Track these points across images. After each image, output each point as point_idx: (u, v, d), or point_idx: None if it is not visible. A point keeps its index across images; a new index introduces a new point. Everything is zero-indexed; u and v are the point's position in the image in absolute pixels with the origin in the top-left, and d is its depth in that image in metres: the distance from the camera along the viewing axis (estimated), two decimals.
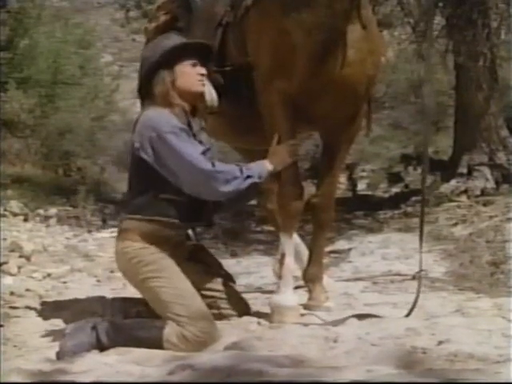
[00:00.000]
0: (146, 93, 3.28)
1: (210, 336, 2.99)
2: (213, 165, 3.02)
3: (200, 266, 3.35)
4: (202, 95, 3.32)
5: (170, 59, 3.21)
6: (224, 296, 3.35)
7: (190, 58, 3.25)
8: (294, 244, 3.61)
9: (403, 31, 10.27)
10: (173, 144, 3.04)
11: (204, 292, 3.24)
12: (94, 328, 3.05)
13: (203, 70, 3.26)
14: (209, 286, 3.33)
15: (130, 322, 3.14)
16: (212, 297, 3.30)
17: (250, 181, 3.09)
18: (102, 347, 3.02)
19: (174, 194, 3.11)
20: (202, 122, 3.39)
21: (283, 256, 3.49)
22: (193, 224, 3.29)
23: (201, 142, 3.21)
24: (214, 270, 3.40)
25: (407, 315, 3.21)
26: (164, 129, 3.06)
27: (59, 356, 3.02)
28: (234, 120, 3.82)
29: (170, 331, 2.98)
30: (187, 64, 3.23)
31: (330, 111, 3.47)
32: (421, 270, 3.41)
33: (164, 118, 3.11)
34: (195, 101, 3.29)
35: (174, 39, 3.33)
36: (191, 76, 3.23)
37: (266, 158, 3.26)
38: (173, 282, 3.06)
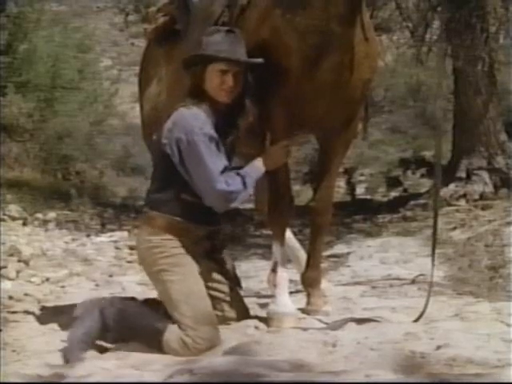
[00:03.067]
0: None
1: (210, 342, 3.00)
2: (227, 183, 3.06)
3: (213, 265, 3.35)
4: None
5: (202, 61, 3.21)
6: (228, 299, 3.35)
7: (222, 64, 3.19)
8: (285, 251, 3.62)
9: (402, 35, 10.29)
10: (200, 153, 3.05)
11: (210, 292, 3.24)
12: (101, 313, 3.13)
13: (231, 82, 3.20)
14: (216, 286, 3.32)
15: (136, 312, 3.17)
16: (217, 298, 3.30)
17: (250, 190, 3.18)
18: (107, 330, 3.11)
19: (194, 196, 3.14)
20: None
21: (276, 264, 3.50)
22: (207, 227, 3.28)
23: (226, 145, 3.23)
24: (226, 271, 3.40)
25: (416, 320, 3.20)
26: (195, 135, 3.07)
27: (68, 345, 3.09)
28: None
29: (169, 336, 3.00)
30: (218, 69, 3.18)
31: (326, 115, 3.46)
32: (431, 279, 3.42)
33: (198, 122, 3.10)
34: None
35: (220, 40, 3.24)
36: (217, 84, 3.19)
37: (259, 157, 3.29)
38: (186, 281, 3.08)
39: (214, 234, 3.33)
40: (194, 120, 3.10)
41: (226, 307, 3.34)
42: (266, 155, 3.30)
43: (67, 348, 3.10)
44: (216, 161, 3.07)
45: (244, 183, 3.11)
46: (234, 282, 3.42)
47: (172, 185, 3.15)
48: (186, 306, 3.04)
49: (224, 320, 3.29)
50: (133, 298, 3.43)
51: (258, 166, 3.24)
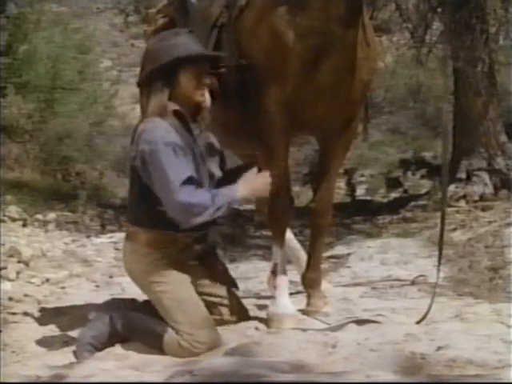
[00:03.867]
0: (144, 91, 3.19)
1: (209, 345, 3.01)
2: (189, 195, 2.95)
3: (206, 270, 3.33)
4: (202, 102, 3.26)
5: (173, 67, 3.12)
6: (225, 302, 3.34)
7: (195, 63, 3.16)
8: (285, 252, 3.62)
9: (402, 37, 10.29)
10: (161, 163, 2.98)
11: (206, 297, 3.24)
12: (111, 318, 3.15)
13: (207, 80, 3.19)
14: (211, 290, 3.31)
15: (139, 316, 3.19)
16: (213, 302, 3.29)
17: (219, 212, 3.02)
18: (116, 335, 3.14)
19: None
20: (202, 125, 3.32)
21: (276, 265, 3.51)
22: (190, 234, 3.25)
23: (198, 151, 3.17)
24: (219, 274, 3.38)
25: (419, 322, 3.20)
26: (157, 144, 2.99)
27: (78, 345, 3.13)
28: (228, 123, 3.82)
29: (169, 340, 3.03)
30: (191, 72, 3.14)
31: (326, 116, 3.46)
32: (436, 280, 3.43)
33: (160, 132, 3.02)
34: (195, 106, 3.24)
35: (180, 42, 3.17)
36: (193, 86, 3.15)
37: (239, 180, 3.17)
38: (175, 289, 3.08)
39: (201, 239, 3.26)
40: (156, 130, 3.03)
41: (223, 311, 3.33)
42: (245, 182, 3.16)
43: (76, 348, 3.13)
44: (178, 170, 2.97)
45: (212, 199, 2.98)
46: (229, 283, 3.41)
47: (146, 198, 3.11)
48: (179, 313, 3.04)
49: (223, 323, 3.28)
50: (133, 300, 3.44)
51: (233, 190, 3.10)
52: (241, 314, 3.39)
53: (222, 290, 3.36)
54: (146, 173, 3.06)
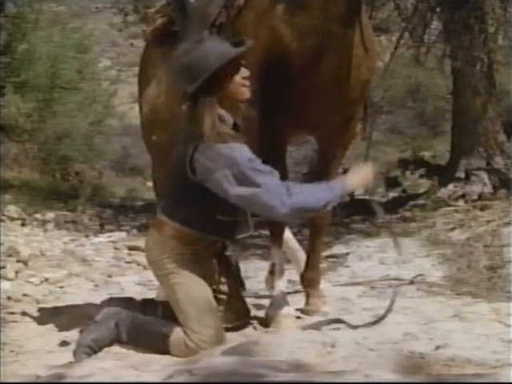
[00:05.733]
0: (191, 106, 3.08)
1: (214, 346, 2.99)
2: (289, 194, 2.89)
3: (219, 265, 3.30)
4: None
5: (212, 75, 2.99)
6: (230, 300, 3.32)
7: (231, 63, 3.04)
8: (284, 252, 3.63)
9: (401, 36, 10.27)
10: (250, 178, 2.90)
11: (214, 293, 3.22)
12: (116, 325, 3.11)
13: (246, 72, 3.08)
14: (221, 288, 3.30)
15: (146, 321, 3.15)
16: (219, 299, 3.27)
17: (330, 205, 3.01)
18: (119, 341, 3.10)
19: (229, 215, 3.10)
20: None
21: (274, 265, 3.51)
22: (222, 239, 3.24)
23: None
24: (230, 272, 3.36)
25: (375, 323, 3.20)
26: (239, 166, 2.91)
27: (77, 346, 3.10)
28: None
29: (175, 341, 3.00)
30: (231, 73, 3.05)
31: (325, 115, 3.45)
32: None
33: (237, 152, 2.94)
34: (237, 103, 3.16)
35: (212, 47, 3.04)
36: (237, 86, 3.06)
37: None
38: (192, 284, 3.06)
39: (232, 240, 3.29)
40: (234, 152, 2.95)
41: (226, 309, 3.32)
42: (355, 174, 3.13)
43: (75, 348, 3.12)
44: (267, 177, 2.91)
45: (329, 191, 2.98)
46: (238, 282, 3.41)
47: (198, 202, 3.05)
48: (191, 308, 3.02)
49: (224, 321, 3.28)
50: (131, 299, 3.43)
51: (345, 182, 3.08)
52: (243, 314, 3.38)
53: (228, 288, 3.32)
54: (227, 193, 2.95)
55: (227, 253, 3.33)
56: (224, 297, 3.29)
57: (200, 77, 2.97)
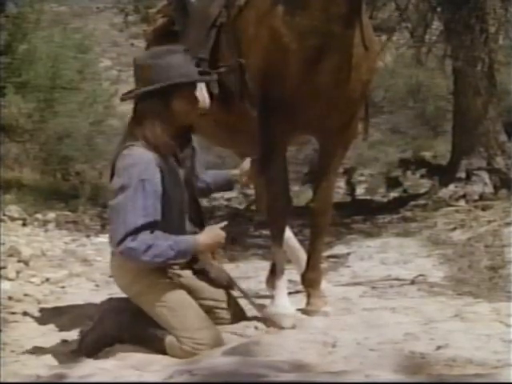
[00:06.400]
0: (137, 107, 3.11)
1: (211, 345, 2.99)
2: (134, 240, 2.87)
3: (198, 276, 3.31)
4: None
5: (167, 89, 3.02)
6: (222, 305, 3.33)
7: (190, 86, 3.11)
8: (284, 252, 3.63)
9: (401, 36, 10.29)
10: (127, 199, 2.91)
11: (202, 301, 3.22)
12: (118, 324, 3.12)
13: (203, 96, 3.18)
14: (207, 294, 3.30)
15: (145, 322, 3.13)
16: (210, 306, 3.28)
17: (170, 261, 3.02)
18: (122, 340, 3.10)
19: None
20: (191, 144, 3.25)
21: (275, 265, 3.51)
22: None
23: (184, 172, 3.14)
24: (213, 278, 3.36)
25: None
26: (131, 181, 2.92)
27: (78, 346, 3.15)
28: (227, 123, 3.82)
29: (170, 344, 3.01)
30: (186, 95, 3.08)
31: (325, 116, 3.45)
32: None
33: (137, 168, 2.93)
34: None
35: (175, 63, 3.06)
36: (189, 108, 3.09)
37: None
38: (165, 296, 3.04)
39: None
40: (135, 166, 2.94)
41: (221, 313, 3.31)
42: (204, 235, 3.09)
43: (76, 348, 3.15)
44: (138, 213, 2.88)
45: (171, 247, 2.94)
46: (224, 286, 3.38)
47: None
48: (173, 319, 3.01)
49: (221, 324, 3.27)
50: (128, 299, 3.41)
51: (195, 241, 3.04)
52: (238, 314, 3.38)
53: (217, 293, 3.34)
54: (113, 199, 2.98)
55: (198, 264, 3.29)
56: (213, 303, 3.28)
57: (153, 84, 2.99)
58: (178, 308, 3.03)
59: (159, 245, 2.91)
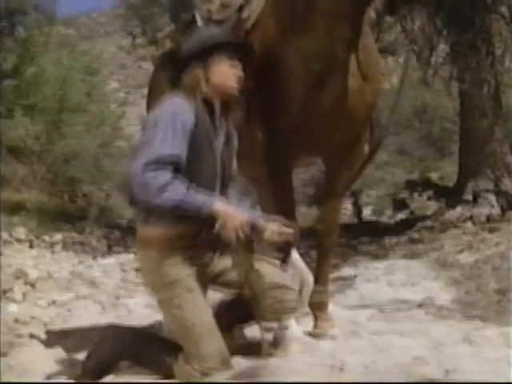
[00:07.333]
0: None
1: (219, 370, 2.93)
2: (155, 175, 2.79)
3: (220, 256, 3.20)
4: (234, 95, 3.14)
5: (206, 54, 3.05)
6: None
7: (228, 54, 3.09)
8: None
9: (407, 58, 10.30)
10: (157, 130, 2.89)
11: (225, 283, 3.12)
12: (120, 345, 3.07)
13: (241, 73, 3.10)
14: (229, 279, 3.09)
15: (147, 345, 3.10)
16: (232, 284, 3.12)
17: (183, 208, 2.83)
18: (125, 359, 3.08)
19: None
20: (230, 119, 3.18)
21: None
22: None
23: (216, 142, 3.04)
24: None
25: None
26: (163, 116, 2.93)
27: (82, 370, 3.09)
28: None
29: (178, 372, 2.95)
30: (225, 62, 3.07)
31: (330, 138, 3.46)
32: None
33: (173, 108, 2.95)
34: (226, 98, 3.12)
35: (213, 32, 3.26)
36: (227, 76, 3.07)
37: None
38: (187, 314, 2.94)
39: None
40: (171, 106, 2.97)
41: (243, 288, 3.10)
42: (229, 207, 2.91)
43: (80, 373, 3.11)
44: (165, 145, 2.83)
45: (185, 196, 2.80)
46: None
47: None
48: (188, 341, 2.94)
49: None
50: (132, 328, 3.38)
51: (211, 200, 2.87)
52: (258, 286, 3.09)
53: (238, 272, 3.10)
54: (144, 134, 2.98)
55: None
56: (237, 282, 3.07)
57: (193, 45, 3.09)
58: (197, 331, 2.94)
59: (176, 186, 2.81)
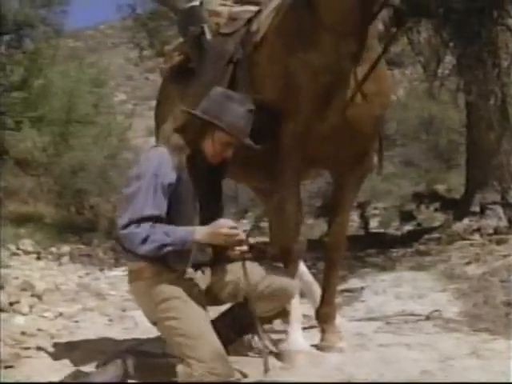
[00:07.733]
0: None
1: (221, 376, 2.96)
2: (136, 228, 3.00)
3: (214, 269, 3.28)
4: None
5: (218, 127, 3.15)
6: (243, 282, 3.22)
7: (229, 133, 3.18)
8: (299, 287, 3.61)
9: (414, 70, 10.34)
10: (138, 188, 3.05)
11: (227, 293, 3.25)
12: (124, 362, 3.13)
13: (230, 153, 3.23)
14: (230, 290, 3.27)
15: (150, 354, 3.19)
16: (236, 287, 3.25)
17: (169, 248, 3.02)
18: (128, 378, 3.10)
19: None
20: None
21: None
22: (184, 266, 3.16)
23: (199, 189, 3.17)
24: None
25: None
26: (146, 172, 3.07)
27: None
28: (242, 157, 3.84)
29: (182, 374, 2.98)
30: (224, 140, 3.17)
31: (338, 151, 3.48)
32: None
33: (155, 163, 3.09)
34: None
35: (231, 109, 3.19)
36: (217, 151, 3.18)
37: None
38: (182, 322, 3.02)
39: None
40: (154, 160, 3.11)
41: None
42: (210, 227, 3.08)
43: None
44: (145, 204, 3.02)
45: (166, 235, 3.01)
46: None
47: None
48: (187, 347, 2.98)
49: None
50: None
51: (193, 230, 3.07)
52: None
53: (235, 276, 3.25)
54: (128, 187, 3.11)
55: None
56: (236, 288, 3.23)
57: (205, 114, 3.17)
58: (194, 337, 2.99)
59: (156, 232, 3.01)
